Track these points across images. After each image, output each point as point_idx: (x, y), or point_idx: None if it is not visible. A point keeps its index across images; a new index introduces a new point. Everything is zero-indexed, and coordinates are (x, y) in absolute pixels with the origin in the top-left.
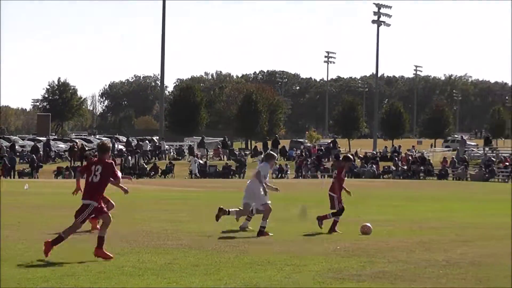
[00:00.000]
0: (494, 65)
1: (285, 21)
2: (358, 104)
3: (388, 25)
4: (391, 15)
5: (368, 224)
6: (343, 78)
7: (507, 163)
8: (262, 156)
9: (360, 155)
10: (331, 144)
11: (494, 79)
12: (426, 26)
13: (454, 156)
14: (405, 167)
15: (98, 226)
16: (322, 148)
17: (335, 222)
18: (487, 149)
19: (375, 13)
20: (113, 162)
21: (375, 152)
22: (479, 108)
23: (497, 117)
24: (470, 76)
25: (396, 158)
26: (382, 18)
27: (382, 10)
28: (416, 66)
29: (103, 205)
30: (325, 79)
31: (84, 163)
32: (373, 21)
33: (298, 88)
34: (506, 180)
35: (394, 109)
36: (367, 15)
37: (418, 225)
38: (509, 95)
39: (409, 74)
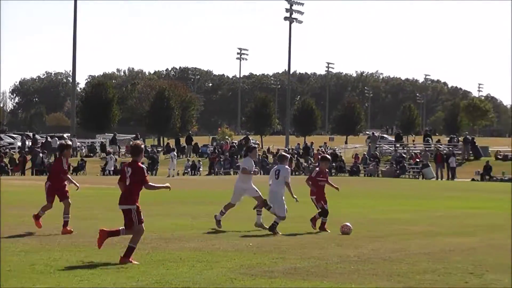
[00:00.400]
0: (405, 62)
1: (197, 17)
2: (271, 101)
3: (300, 22)
4: (303, 12)
5: (348, 224)
6: (256, 75)
7: (418, 160)
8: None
9: (273, 152)
10: (244, 141)
11: (404, 76)
12: (338, 23)
13: (365, 153)
14: (317, 164)
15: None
16: (235, 144)
17: (323, 223)
18: (398, 145)
19: (287, 10)
20: (143, 168)
21: (287, 149)
22: (390, 104)
23: (408, 113)
24: (381, 73)
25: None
26: (294, 15)
27: (294, 7)
28: (328, 63)
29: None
30: (238, 75)
31: None
32: (285, 18)
33: (210, 84)
34: (417, 176)
35: (306, 105)
36: (279, 12)
37: (329, 221)
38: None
39: (321, 71)
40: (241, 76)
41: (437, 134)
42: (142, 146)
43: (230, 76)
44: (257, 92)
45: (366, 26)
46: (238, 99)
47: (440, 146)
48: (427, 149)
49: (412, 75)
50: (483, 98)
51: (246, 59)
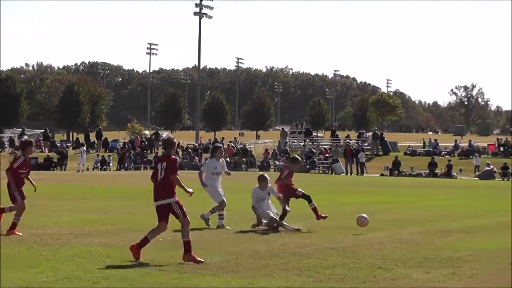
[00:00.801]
0: (314, 58)
1: (106, 12)
2: (180, 96)
3: (210, 17)
4: (213, 7)
5: (365, 215)
6: (166, 70)
7: (327, 155)
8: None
9: (183, 146)
10: (154, 136)
11: (314, 71)
12: (248, 18)
13: (275, 148)
14: (228, 159)
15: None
16: (145, 140)
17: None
18: (307, 140)
19: (197, 5)
20: (177, 159)
21: (197, 144)
22: (299, 100)
23: (317, 109)
24: (291, 69)
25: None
26: (204, 10)
27: (204, 2)
28: (238, 58)
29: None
30: (148, 70)
31: None
32: (195, 13)
33: (120, 79)
34: (327, 172)
35: (216, 101)
36: (189, 7)
37: (240, 216)
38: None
39: (231, 66)
40: (151, 71)
41: (346, 130)
42: (175, 140)
43: (140, 71)
44: (167, 87)
45: (276, 22)
46: (148, 94)
47: (350, 141)
48: (337, 144)
49: (322, 71)
50: (391, 93)
51: (156, 54)
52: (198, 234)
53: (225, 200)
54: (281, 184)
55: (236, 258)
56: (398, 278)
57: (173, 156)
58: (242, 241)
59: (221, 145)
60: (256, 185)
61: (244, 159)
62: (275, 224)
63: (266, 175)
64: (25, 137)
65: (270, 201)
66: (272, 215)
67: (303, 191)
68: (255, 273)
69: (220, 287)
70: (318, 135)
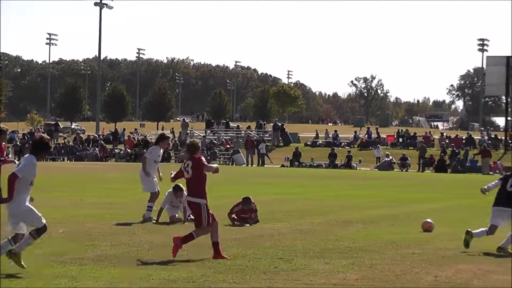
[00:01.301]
0: (215, 49)
1: (4, 1)
2: (81, 86)
3: (111, 7)
4: None
5: (429, 220)
6: (66, 60)
7: (228, 146)
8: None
9: (82, 137)
10: (54, 127)
11: (215, 63)
12: (149, 9)
13: (176, 139)
14: (129, 150)
15: None
16: (44, 131)
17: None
18: (208, 131)
19: None
20: (202, 157)
21: (97, 135)
22: (201, 91)
23: (218, 100)
24: (192, 60)
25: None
26: (105, 1)
27: None
28: (139, 49)
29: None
30: (47, 61)
31: None
32: (96, 4)
33: (19, 70)
34: (228, 162)
35: (116, 91)
36: None
37: (143, 208)
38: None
39: (132, 57)
40: (51, 61)
41: (247, 121)
42: (200, 144)
43: (40, 62)
44: (67, 78)
45: (176, 13)
46: (47, 85)
47: (251, 132)
48: (237, 135)
49: (223, 62)
50: (292, 85)
51: (55, 45)
52: (98, 227)
53: (158, 191)
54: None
55: (136, 249)
56: (298, 269)
57: (199, 156)
58: (143, 234)
59: (169, 137)
60: (170, 190)
61: (145, 150)
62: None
63: (181, 186)
64: None
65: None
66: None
67: None
68: (155, 264)
69: (120, 279)
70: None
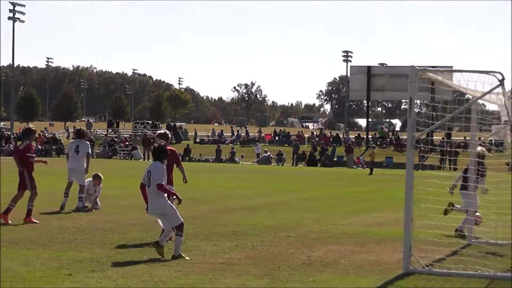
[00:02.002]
0: (115, 58)
1: None
2: None
3: (23, 21)
4: (25, 13)
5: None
6: None
7: (127, 143)
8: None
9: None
10: None
11: (115, 70)
12: (56, 22)
13: None
14: (40, 146)
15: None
16: None
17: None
18: (110, 130)
19: (10, 11)
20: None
21: (11, 133)
22: (103, 95)
23: (118, 103)
24: (95, 67)
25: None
26: (17, 15)
27: (17, 8)
28: (48, 58)
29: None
30: None
31: None
32: (9, 18)
33: None
34: (127, 158)
35: (29, 95)
36: (3, 12)
37: (50, 197)
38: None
39: (42, 64)
40: None
41: (144, 121)
42: (169, 134)
43: None
44: None
45: (80, 25)
46: None
47: (147, 131)
48: (136, 133)
49: (122, 69)
50: (183, 90)
51: None
52: (15, 213)
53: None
54: None
55: (48, 233)
56: (189, 250)
57: (171, 148)
58: (54, 219)
59: (35, 129)
60: (90, 178)
61: (54, 147)
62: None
63: (100, 174)
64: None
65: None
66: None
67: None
68: (64, 246)
69: (33, 259)
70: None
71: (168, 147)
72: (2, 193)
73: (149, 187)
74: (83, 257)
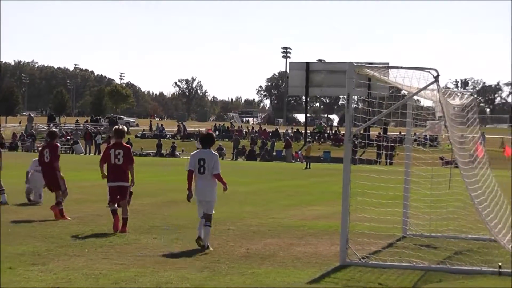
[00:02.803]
0: (57, 53)
1: None
2: None
3: None
4: None
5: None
6: None
7: (69, 137)
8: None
9: None
10: None
11: (57, 65)
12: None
13: (23, 131)
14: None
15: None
16: None
17: None
18: (51, 124)
19: None
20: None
21: None
22: (44, 89)
23: (60, 97)
24: (37, 62)
25: None
26: None
27: None
28: None
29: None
30: None
31: None
32: None
33: None
34: (68, 152)
35: None
36: None
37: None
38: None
39: None
40: None
41: (85, 116)
42: (125, 130)
43: None
44: None
45: (21, 20)
46: None
47: (89, 125)
48: (77, 128)
49: (64, 64)
50: (124, 85)
51: None
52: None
53: None
54: None
55: None
56: (130, 243)
57: (126, 145)
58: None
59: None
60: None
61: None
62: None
63: None
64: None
65: None
66: None
67: None
68: (4, 239)
69: None
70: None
71: (124, 145)
72: None
73: (202, 173)
74: (24, 251)
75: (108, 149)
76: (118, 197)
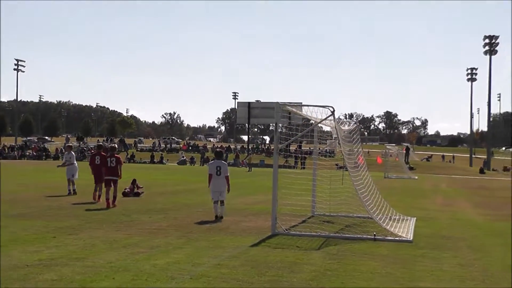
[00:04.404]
0: (84, 94)
1: None
2: None
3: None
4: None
5: None
6: None
7: (92, 151)
8: None
9: None
10: None
11: (85, 103)
12: (48, 67)
13: (62, 147)
14: (35, 153)
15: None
16: None
17: None
18: (81, 142)
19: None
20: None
21: (15, 145)
22: (76, 119)
23: (86, 124)
24: (72, 101)
25: None
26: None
27: (19, 59)
28: (40, 95)
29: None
30: None
31: None
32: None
33: None
34: None
35: (28, 120)
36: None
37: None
38: None
39: (36, 99)
40: None
41: (103, 137)
42: (116, 146)
43: None
44: None
45: (64, 73)
46: None
47: (106, 143)
48: (98, 145)
49: (89, 103)
50: (129, 116)
51: None
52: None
53: None
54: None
55: (40, 210)
56: (134, 220)
57: (117, 155)
58: (43, 200)
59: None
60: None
61: (44, 153)
62: None
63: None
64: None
65: None
66: None
67: None
68: (50, 218)
69: (29, 226)
70: None
71: (115, 155)
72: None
73: (218, 175)
74: (63, 225)
75: (105, 158)
76: (111, 184)
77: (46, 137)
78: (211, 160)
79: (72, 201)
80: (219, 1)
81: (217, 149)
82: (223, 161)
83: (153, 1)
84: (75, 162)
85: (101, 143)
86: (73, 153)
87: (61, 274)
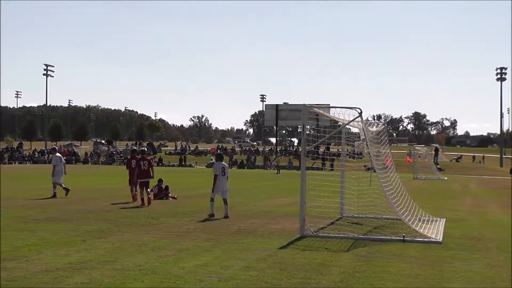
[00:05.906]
0: (113, 98)
1: None
2: None
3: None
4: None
5: None
6: None
7: (121, 154)
8: None
9: None
10: None
11: (114, 107)
12: (77, 73)
13: (92, 151)
14: (64, 157)
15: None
16: None
17: None
18: (110, 146)
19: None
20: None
21: (45, 149)
22: (105, 123)
23: (115, 128)
24: (100, 106)
25: None
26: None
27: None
28: (69, 100)
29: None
30: None
31: None
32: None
33: None
34: (121, 164)
35: (57, 125)
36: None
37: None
38: None
39: (65, 104)
40: None
41: (132, 140)
42: (145, 149)
43: None
44: None
45: (95, 80)
46: None
47: (134, 147)
48: (127, 149)
49: (118, 107)
50: (157, 119)
51: None
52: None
53: None
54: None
55: (69, 213)
56: (162, 223)
57: (148, 158)
58: (72, 204)
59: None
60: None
61: (74, 157)
62: None
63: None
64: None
65: None
66: None
67: None
68: (80, 222)
69: (60, 230)
70: None
71: (147, 158)
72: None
73: (223, 175)
74: (93, 229)
75: (139, 160)
76: (144, 187)
77: (73, 142)
78: (210, 161)
79: (101, 205)
80: (247, 1)
81: (218, 152)
82: (224, 163)
83: (185, 1)
84: (58, 164)
85: (135, 148)
86: (58, 155)
87: (90, 277)
